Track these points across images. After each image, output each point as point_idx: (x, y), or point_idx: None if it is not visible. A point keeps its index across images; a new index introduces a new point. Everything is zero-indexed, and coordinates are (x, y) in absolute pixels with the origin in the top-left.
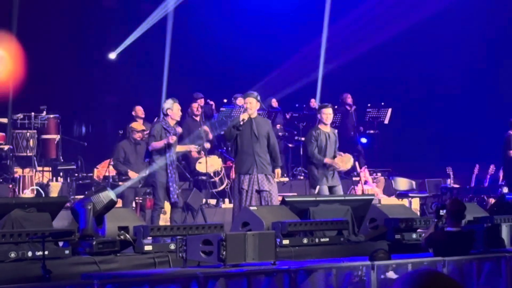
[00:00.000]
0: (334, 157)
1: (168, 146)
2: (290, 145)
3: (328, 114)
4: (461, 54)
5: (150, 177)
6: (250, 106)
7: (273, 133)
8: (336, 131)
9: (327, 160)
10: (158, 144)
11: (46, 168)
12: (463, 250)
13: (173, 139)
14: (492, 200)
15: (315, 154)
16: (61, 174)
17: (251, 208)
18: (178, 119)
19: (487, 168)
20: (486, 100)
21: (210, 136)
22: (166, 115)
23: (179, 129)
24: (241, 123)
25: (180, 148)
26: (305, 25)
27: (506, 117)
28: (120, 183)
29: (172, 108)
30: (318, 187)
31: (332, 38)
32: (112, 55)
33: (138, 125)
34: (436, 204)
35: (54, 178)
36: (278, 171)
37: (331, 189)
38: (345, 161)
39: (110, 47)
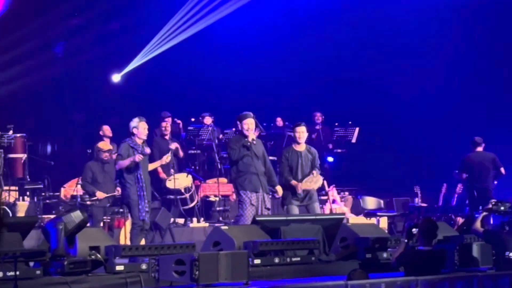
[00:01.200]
0: (308, 174)
1: (136, 164)
2: None
3: (301, 132)
4: (428, 74)
5: (124, 197)
6: (251, 127)
7: (266, 153)
8: (313, 149)
9: (293, 182)
10: (124, 163)
11: (12, 187)
12: (434, 269)
13: (139, 157)
14: (459, 219)
15: (284, 175)
16: (27, 193)
17: (222, 227)
18: (145, 137)
19: (455, 187)
20: (454, 119)
21: (181, 154)
22: (133, 134)
23: (148, 150)
24: (250, 143)
25: (151, 166)
26: (273, 43)
27: (472, 137)
28: (88, 202)
29: (138, 127)
30: (287, 207)
31: (300, 56)
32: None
33: (104, 144)
34: (409, 223)
35: (21, 198)
36: (279, 188)
37: (306, 207)
38: (314, 181)
39: (113, 69)
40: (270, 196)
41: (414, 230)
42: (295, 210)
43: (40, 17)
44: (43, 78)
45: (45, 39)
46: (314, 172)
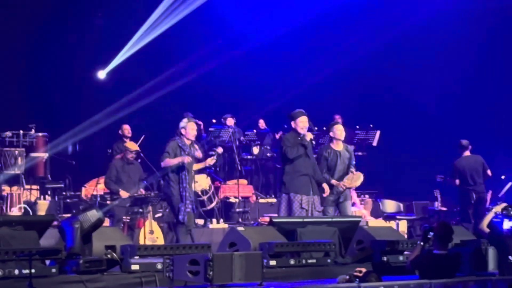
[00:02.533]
0: (347, 174)
1: (182, 165)
2: (278, 166)
3: (340, 130)
4: (449, 77)
5: (167, 195)
6: (306, 125)
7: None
8: (350, 147)
9: (333, 181)
10: (172, 161)
11: (34, 186)
12: (449, 273)
13: (188, 159)
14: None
15: (322, 174)
16: (48, 192)
17: (239, 228)
18: (193, 138)
19: None
20: (474, 124)
21: (200, 155)
22: (181, 134)
23: (198, 153)
24: (308, 142)
25: (197, 166)
26: (294, 46)
27: (493, 140)
28: (108, 202)
29: (186, 128)
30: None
31: (320, 59)
32: (101, 74)
33: (132, 145)
34: (425, 226)
35: (42, 197)
36: (325, 185)
37: (338, 206)
38: (354, 179)
39: (99, 65)
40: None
41: (430, 234)
42: (330, 211)
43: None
44: (65, 78)
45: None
46: (353, 170)
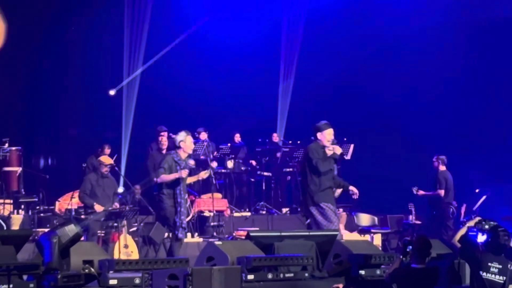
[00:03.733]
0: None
1: (178, 180)
2: (252, 180)
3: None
4: (427, 92)
5: (161, 210)
6: (333, 137)
7: None
8: None
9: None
10: (168, 177)
11: (7, 201)
12: (427, 287)
13: (185, 173)
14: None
15: None
16: (22, 206)
17: (216, 243)
18: (191, 152)
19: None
20: (448, 137)
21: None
22: (178, 147)
23: (192, 162)
24: (339, 156)
25: (190, 180)
26: (267, 60)
27: (467, 154)
28: (82, 216)
29: (185, 141)
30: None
31: (293, 73)
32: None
33: (106, 159)
34: (404, 240)
35: (15, 211)
36: (353, 187)
37: None
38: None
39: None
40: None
41: (409, 248)
42: None
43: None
44: (38, 92)
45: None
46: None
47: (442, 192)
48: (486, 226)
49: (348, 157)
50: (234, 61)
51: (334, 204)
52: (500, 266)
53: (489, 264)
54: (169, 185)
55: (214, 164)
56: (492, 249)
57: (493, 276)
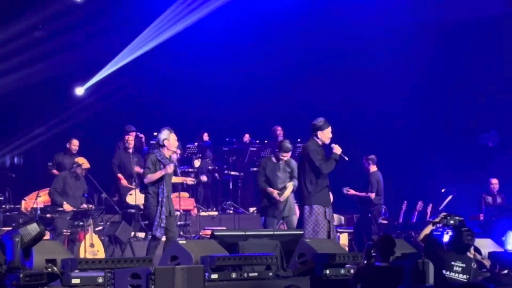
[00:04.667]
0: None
1: (162, 177)
2: (219, 179)
3: (286, 157)
4: (396, 91)
5: (146, 209)
6: (331, 135)
7: None
8: (293, 161)
9: (269, 189)
10: (154, 176)
11: None
12: (390, 286)
13: (170, 168)
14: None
15: (261, 183)
16: None
17: (180, 241)
18: (175, 149)
19: (415, 205)
20: (415, 137)
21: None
22: (162, 145)
23: (174, 156)
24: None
25: (176, 180)
26: (237, 60)
27: (433, 153)
28: (48, 215)
29: (169, 139)
30: (263, 218)
31: (264, 71)
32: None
33: (83, 160)
34: (368, 244)
35: None
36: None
37: (287, 219)
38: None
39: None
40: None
41: (374, 251)
42: (273, 223)
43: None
44: (4, 90)
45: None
46: (291, 183)
47: (373, 195)
48: (451, 222)
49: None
50: (202, 61)
51: (329, 205)
52: (464, 265)
53: (453, 263)
54: (153, 184)
55: (204, 179)
56: (455, 248)
57: (456, 275)
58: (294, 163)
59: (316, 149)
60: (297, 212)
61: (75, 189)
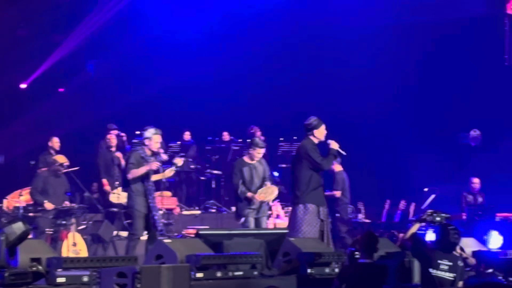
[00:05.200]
0: (261, 187)
1: (146, 174)
2: (202, 178)
3: (260, 154)
4: (377, 88)
5: (129, 207)
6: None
7: None
8: (263, 160)
9: (249, 194)
10: (139, 171)
11: None
12: (375, 283)
13: (156, 165)
14: (402, 236)
15: (239, 187)
16: None
17: (165, 240)
18: (155, 150)
19: (398, 204)
20: (398, 137)
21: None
22: (144, 144)
23: (164, 156)
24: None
25: (155, 177)
26: (219, 57)
27: (416, 152)
28: (31, 214)
29: (151, 138)
30: (243, 219)
31: (245, 71)
32: (23, 85)
33: (61, 158)
34: (350, 248)
35: None
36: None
37: (257, 220)
38: (268, 193)
39: (21, 76)
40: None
41: (357, 254)
42: (251, 222)
43: None
44: None
45: None
46: (268, 183)
47: (338, 193)
48: (438, 218)
49: (344, 153)
50: (185, 60)
51: (324, 204)
52: (450, 263)
53: (439, 261)
54: (137, 182)
55: (178, 161)
56: (442, 246)
57: (443, 273)
58: (265, 162)
59: (313, 147)
60: (281, 212)
61: (56, 187)
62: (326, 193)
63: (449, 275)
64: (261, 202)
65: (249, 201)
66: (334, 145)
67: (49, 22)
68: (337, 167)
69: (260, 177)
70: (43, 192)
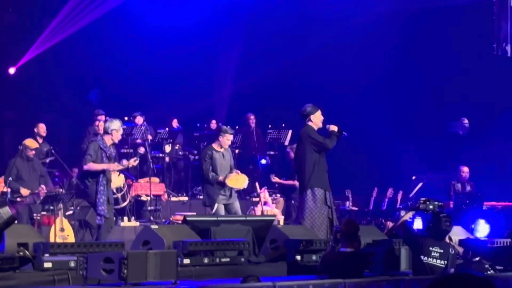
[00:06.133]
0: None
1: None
2: (189, 164)
3: (229, 140)
4: (368, 76)
5: (89, 196)
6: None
7: None
8: (229, 148)
9: (220, 178)
10: (96, 167)
11: None
12: (356, 271)
13: (117, 166)
14: (389, 223)
15: (209, 173)
16: None
17: (152, 226)
18: (117, 142)
19: (386, 192)
20: (386, 124)
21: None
22: (107, 133)
23: (141, 150)
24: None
25: (118, 167)
26: (208, 43)
27: (404, 140)
28: (18, 199)
29: (117, 130)
30: (216, 205)
31: (235, 57)
32: (12, 70)
33: (31, 142)
34: (336, 227)
35: None
36: None
37: (227, 206)
38: (239, 180)
39: (9, 61)
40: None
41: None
42: (221, 209)
43: None
44: None
45: None
46: (238, 171)
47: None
48: (431, 206)
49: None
50: (173, 46)
51: (329, 190)
52: (441, 251)
53: (430, 248)
54: (92, 174)
55: (141, 150)
56: (433, 234)
57: (434, 260)
58: (230, 151)
59: (314, 130)
60: (268, 199)
61: (30, 173)
62: (287, 182)
63: (440, 263)
64: (231, 189)
65: (221, 186)
66: (333, 127)
67: (38, 7)
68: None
69: (228, 164)
70: (18, 179)
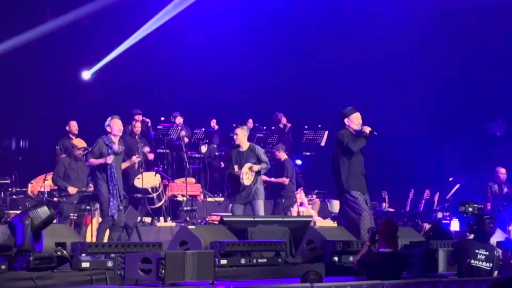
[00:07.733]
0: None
1: (105, 163)
2: (222, 166)
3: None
4: (400, 80)
5: (96, 193)
6: (361, 121)
7: None
8: (257, 146)
9: (236, 168)
10: (94, 162)
11: None
12: (394, 272)
13: (110, 159)
14: (426, 225)
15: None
16: None
17: (190, 227)
18: (119, 134)
19: (422, 193)
20: (423, 126)
21: (151, 156)
22: (107, 132)
23: (117, 147)
24: (368, 135)
25: (124, 165)
26: (245, 45)
27: (441, 142)
28: (55, 198)
29: (110, 125)
30: (230, 206)
31: (270, 59)
32: (86, 74)
33: (79, 142)
34: (372, 228)
35: None
36: None
37: (251, 204)
38: (250, 174)
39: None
40: None
41: (377, 236)
42: (238, 209)
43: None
44: (11, 73)
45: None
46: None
47: (286, 181)
48: (470, 209)
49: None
50: (211, 48)
51: (366, 191)
52: (487, 253)
53: (476, 251)
54: (101, 169)
55: (146, 150)
56: (478, 236)
57: (480, 262)
58: (258, 148)
59: (346, 133)
60: (304, 200)
61: (78, 171)
62: (275, 180)
63: (485, 265)
64: (248, 188)
65: (237, 187)
66: (366, 128)
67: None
68: (283, 155)
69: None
70: (66, 178)
